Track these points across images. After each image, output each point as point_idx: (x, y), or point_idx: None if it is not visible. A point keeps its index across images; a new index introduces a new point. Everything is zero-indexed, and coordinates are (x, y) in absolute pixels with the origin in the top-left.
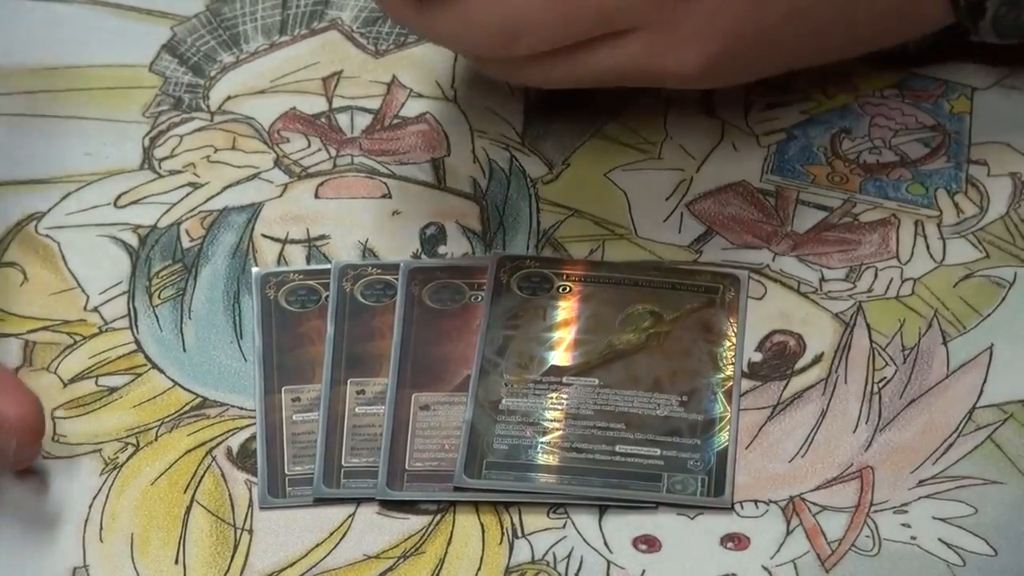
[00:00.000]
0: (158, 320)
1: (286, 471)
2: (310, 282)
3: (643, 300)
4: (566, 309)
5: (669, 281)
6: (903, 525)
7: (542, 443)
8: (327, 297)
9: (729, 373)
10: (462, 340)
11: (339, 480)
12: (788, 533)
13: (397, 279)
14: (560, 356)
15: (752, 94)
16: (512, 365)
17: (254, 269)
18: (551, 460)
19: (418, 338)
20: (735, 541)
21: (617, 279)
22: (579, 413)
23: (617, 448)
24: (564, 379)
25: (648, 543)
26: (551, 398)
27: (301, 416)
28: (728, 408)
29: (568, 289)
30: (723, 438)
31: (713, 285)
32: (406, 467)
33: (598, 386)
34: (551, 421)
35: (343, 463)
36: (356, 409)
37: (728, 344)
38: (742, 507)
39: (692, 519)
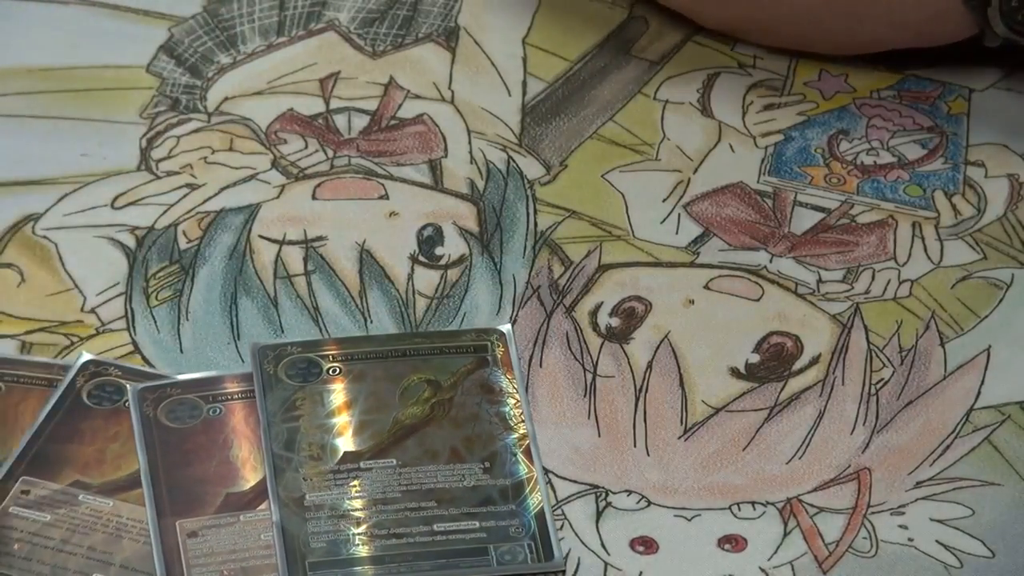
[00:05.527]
0: (155, 321)
1: None
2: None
3: (416, 370)
4: (341, 392)
5: (436, 346)
6: (900, 527)
7: (358, 535)
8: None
9: (523, 432)
10: (212, 457)
11: None
12: (785, 535)
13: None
14: (349, 441)
15: (749, 95)
16: (304, 458)
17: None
18: (372, 551)
19: (165, 461)
20: (732, 542)
21: (384, 353)
22: (386, 497)
23: (435, 527)
24: (361, 464)
25: (645, 544)
26: (353, 486)
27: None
28: (532, 468)
29: (338, 371)
30: (536, 499)
31: (480, 343)
32: None
33: (397, 466)
34: (360, 510)
35: None
36: (21, 513)
37: (513, 402)
38: (739, 508)
39: (689, 520)
